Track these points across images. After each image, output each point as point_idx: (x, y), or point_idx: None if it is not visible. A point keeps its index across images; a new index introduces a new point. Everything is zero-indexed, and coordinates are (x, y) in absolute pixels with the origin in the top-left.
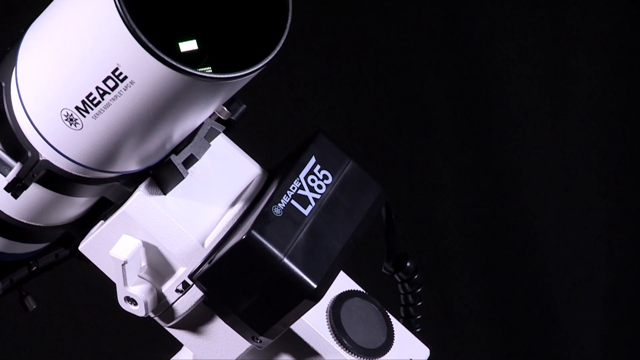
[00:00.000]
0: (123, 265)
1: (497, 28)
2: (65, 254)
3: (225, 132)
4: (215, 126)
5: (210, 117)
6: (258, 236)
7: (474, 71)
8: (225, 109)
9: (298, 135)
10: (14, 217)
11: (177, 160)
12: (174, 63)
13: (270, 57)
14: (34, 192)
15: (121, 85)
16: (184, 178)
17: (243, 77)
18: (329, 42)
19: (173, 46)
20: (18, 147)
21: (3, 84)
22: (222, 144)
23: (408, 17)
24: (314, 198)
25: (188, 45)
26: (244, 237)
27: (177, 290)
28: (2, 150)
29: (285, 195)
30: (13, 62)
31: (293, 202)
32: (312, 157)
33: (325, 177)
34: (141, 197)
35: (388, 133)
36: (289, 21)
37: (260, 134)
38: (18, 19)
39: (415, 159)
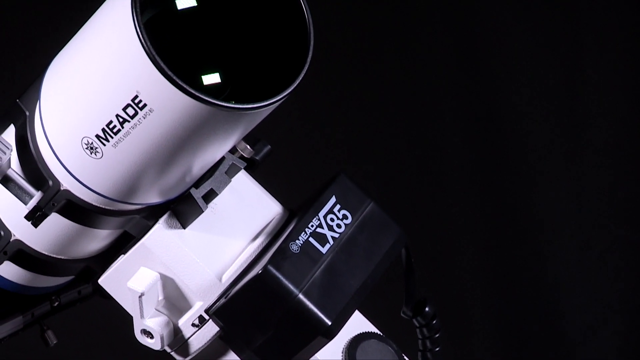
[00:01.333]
0: (140, 297)
1: (514, 71)
2: (88, 291)
3: (249, 172)
4: (236, 162)
5: (233, 154)
6: (274, 271)
7: (491, 113)
8: (248, 146)
9: (321, 176)
10: (36, 249)
11: (197, 194)
12: (192, 90)
13: (287, 92)
14: (55, 222)
15: (140, 113)
16: (203, 212)
17: (261, 108)
18: (352, 86)
19: (193, 76)
20: (40, 176)
21: (27, 114)
22: (243, 181)
23: (426, 60)
24: (332, 237)
25: (211, 79)
26: (260, 271)
27: (193, 325)
28: (24, 178)
29: (303, 233)
30: (37, 92)
31: (311, 239)
32: (332, 196)
33: (344, 216)
34: (160, 230)
35: (405, 175)
36: (310, 56)
37: (283, 174)
38: (44, 51)
39: (432, 201)
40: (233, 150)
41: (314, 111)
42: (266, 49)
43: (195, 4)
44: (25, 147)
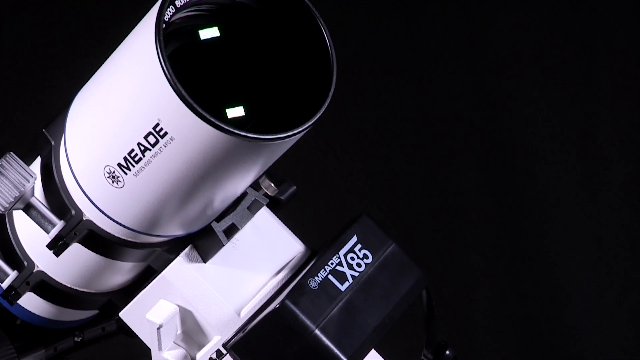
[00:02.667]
0: (158, 329)
1: (531, 111)
2: (112, 329)
3: (273, 211)
4: (259, 198)
5: (257, 191)
6: (291, 306)
7: (507, 154)
8: (272, 184)
9: (344, 217)
10: (59, 281)
11: (218, 227)
12: (212, 119)
13: (308, 124)
14: (77, 254)
15: (161, 142)
16: (223, 246)
17: (283, 139)
18: (371, 127)
19: (216, 105)
20: (63, 205)
21: (53, 143)
22: (266, 218)
23: (444, 100)
24: (351, 275)
25: (235, 112)
26: (278, 306)
27: (210, 359)
28: (47, 207)
29: (322, 270)
30: (63, 122)
31: (330, 277)
32: (353, 235)
33: (365, 256)
34: (180, 263)
35: (424, 218)
36: (332, 90)
37: (306, 214)
38: (72, 81)
39: (450, 242)
40: (257, 188)
41: (336, 152)
42: (289, 81)
43: (218, 34)
44: (50, 176)
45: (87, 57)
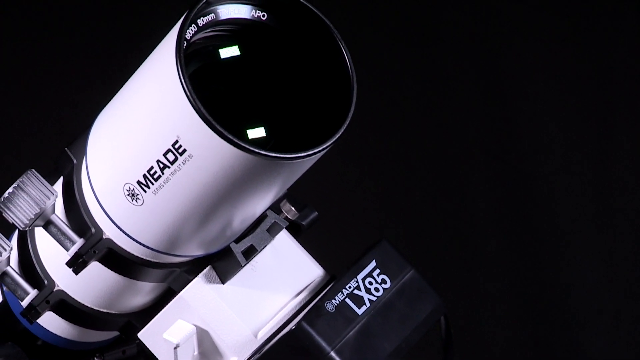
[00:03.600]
0: (175, 348)
1: (544, 140)
2: (133, 352)
3: (294, 236)
4: (279, 221)
5: (278, 215)
6: (308, 328)
7: (521, 181)
8: (293, 208)
9: (364, 243)
10: (79, 300)
11: (237, 248)
12: (233, 138)
13: (326, 144)
14: (97, 273)
15: (180, 159)
16: (242, 266)
17: (302, 158)
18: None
19: (234, 123)
20: (83, 223)
21: (75, 162)
22: (286, 241)
23: (459, 126)
24: (369, 299)
25: (256, 132)
26: (294, 327)
27: None
28: (67, 225)
29: (340, 293)
30: (85, 141)
31: (347, 300)
32: (372, 261)
33: (383, 281)
34: (199, 284)
35: (439, 244)
36: (352, 111)
37: (326, 239)
38: (95, 101)
39: (464, 269)
40: (278, 212)
41: (355, 177)
42: (308, 100)
43: (238, 53)
44: (71, 194)
45: (110, 78)
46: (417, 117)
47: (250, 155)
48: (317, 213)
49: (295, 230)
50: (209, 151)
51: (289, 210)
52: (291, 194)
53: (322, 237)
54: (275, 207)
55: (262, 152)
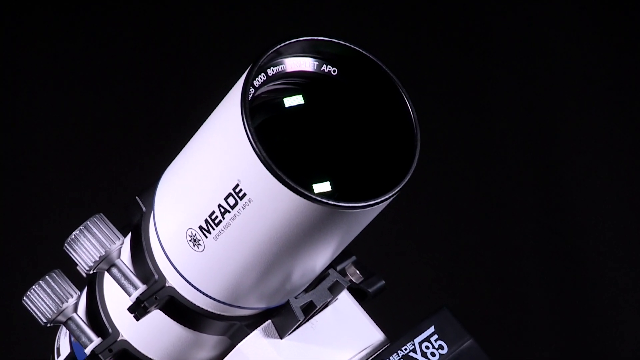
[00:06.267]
0: None
1: (598, 213)
2: None
3: (359, 302)
4: (340, 280)
5: (344, 277)
6: None
7: (572, 255)
8: (357, 271)
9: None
10: (141, 351)
11: (296, 303)
12: (300, 189)
13: (389, 195)
14: (160, 322)
15: (240, 203)
16: (299, 321)
17: (366, 207)
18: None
19: (292, 165)
20: (148, 270)
21: (144, 209)
22: (348, 303)
23: (510, 198)
24: None
25: (322, 187)
26: None
27: None
28: (132, 272)
29: (395, 354)
30: (154, 190)
31: None
32: (431, 326)
33: (440, 347)
34: (257, 337)
35: (492, 314)
36: (415, 163)
37: (388, 305)
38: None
39: (518, 338)
40: (343, 274)
41: (418, 247)
42: (370, 151)
43: (302, 102)
44: (138, 242)
45: (185, 128)
46: (469, 186)
47: (316, 205)
48: (384, 282)
49: (360, 296)
50: (271, 199)
51: (354, 274)
52: (359, 260)
53: (385, 304)
54: (341, 271)
55: (328, 201)
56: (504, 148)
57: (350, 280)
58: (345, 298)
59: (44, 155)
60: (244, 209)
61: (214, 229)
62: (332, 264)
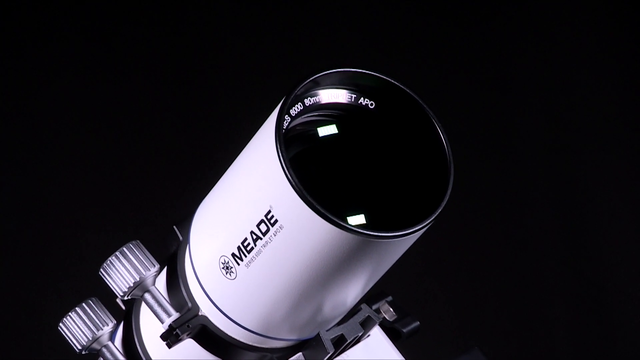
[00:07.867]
0: None
1: (621, 252)
2: None
3: (393, 342)
4: (372, 315)
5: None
6: None
7: (599, 298)
8: (391, 309)
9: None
10: None
11: (326, 335)
12: (335, 219)
13: (421, 225)
14: (192, 352)
15: (272, 230)
16: (329, 354)
17: (399, 237)
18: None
19: (331, 202)
20: (182, 298)
21: (181, 238)
22: (380, 341)
23: (535, 240)
24: None
25: (356, 220)
26: None
27: None
28: (165, 299)
29: None
30: (191, 219)
31: None
32: None
33: None
34: None
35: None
36: (447, 195)
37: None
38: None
39: None
40: (377, 312)
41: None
42: (403, 182)
43: (336, 131)
44: (173, 270)
45: (222, 159)
46: (494, 227)
47: (346, 233)
48: (418, 323)
49: (394, 336)
50: (300, 223)
51: (387, 311)
52: (394, 300)
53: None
54: (375, 309)
55: (356, 229)
56: (529, 188)
57: (384, 318)
58: (378, 335)
59: (85, 182)
60: (275, 235)
61: (246, 256)
62: (368, 303)
